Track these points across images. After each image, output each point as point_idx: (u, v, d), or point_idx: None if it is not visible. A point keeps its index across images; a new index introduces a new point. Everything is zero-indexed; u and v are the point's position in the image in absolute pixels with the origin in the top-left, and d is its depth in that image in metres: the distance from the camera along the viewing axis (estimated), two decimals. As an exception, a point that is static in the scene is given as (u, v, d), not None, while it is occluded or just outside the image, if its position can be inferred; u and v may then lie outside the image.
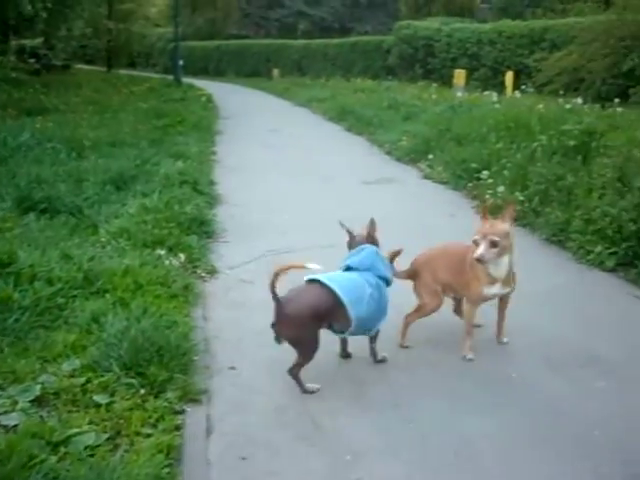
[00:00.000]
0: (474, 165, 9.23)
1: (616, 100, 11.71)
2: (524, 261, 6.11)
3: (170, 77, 30.16)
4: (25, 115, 13.51)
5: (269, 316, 3.85)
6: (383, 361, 4.17)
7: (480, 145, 9.96)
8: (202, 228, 6.67)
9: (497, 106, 12.54)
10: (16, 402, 3.43)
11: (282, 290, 3.74)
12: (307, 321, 3.72)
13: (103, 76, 30.20)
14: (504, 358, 4.26)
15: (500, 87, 18.30)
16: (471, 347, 4.24)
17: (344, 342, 4.21)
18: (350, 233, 4.23)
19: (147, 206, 6.73)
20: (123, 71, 35.59)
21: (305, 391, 3.79)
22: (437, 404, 3.69)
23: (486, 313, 4.46)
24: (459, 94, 16.63)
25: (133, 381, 3.63)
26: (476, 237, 4.03)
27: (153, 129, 12.89)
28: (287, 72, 34.58)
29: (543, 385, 3.92)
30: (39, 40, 30.62)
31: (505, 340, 4.43)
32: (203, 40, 45.00)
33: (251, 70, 39.51)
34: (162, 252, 5.58)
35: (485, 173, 8.71)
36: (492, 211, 7.59)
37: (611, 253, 6.04)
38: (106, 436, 3.24)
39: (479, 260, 3.98)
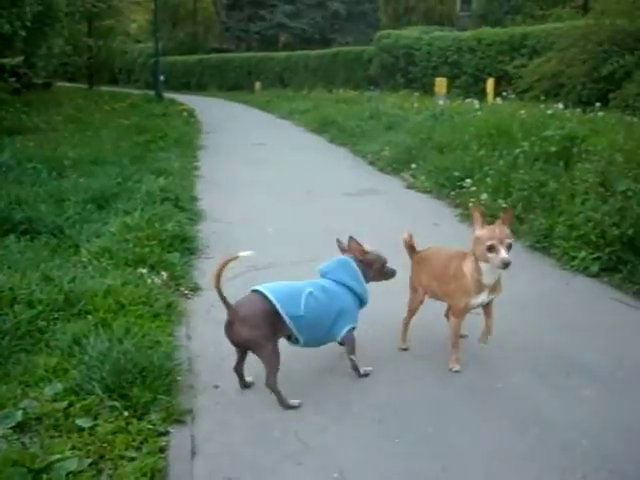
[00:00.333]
0: (457, 173, 9.24)
1: (597, 104, 11.77)
2: (508, 269, 6.15)
3: (152, 93, 30.09)
4: (5, 135, 13.43)
5: None
6: (366, 375, 4.14)
7: (462, 153, 9.98)
8: (184, 245, 6.62)
9: (479, 113, 12.59)
10: (-3, 429, 3.37)
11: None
12: (260, 322, 3.75)
13: (84, 93, 30.10)
14: (489, 368, 4.24)
15: (481, 94, 18.36)
16: (457, 359, 4.21)
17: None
18: (343, 249, 4.32)
19: (128, 224, 6.68)
20: (105, 88, 35.51)
21: (286, 406, 3.77)
22: (423, 418, 3.66)
23: (471, 323, 4.43)
24: (441, 102, 16.66)
25: (116, 404, 3.59)
26: (492, 242, 3.98)
27: (135, 145, 12.83)
28: (269, 85, 34.61)
29: (529, 395, 3.90)
30: (19, 59, 30.49)
31: (485, 344, 4.31)
32: (184, 55, 45.02)
33: (233, 83, 39.52)
34: (144, 271, 5.52)
35: (468, 181, 8.73)
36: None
37: (595, 258, 6.05)
38: (89, 461, 3.19)
39: (507, 265, 3.95)
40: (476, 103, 14.30)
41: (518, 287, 5.68)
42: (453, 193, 8.94)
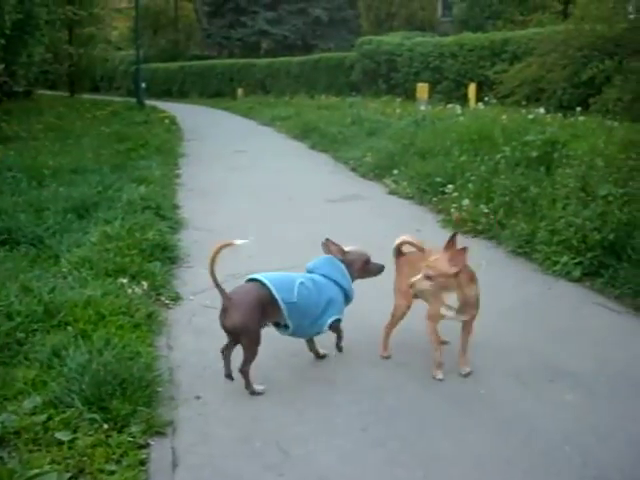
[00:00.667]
0: (439, 179, 9.26)
1: (578, 109, 11.83)
2: (491, 274, 6.16)
3: (133, 100, 29.97)
4: (-15, 144, 13.33)
5: None
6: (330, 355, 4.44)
7: (444, 159, 10.00)
8: (165, 254, 6.56)
9: (461, 119, 12.63)
10: (-26, 444, 3.32)
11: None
12: (252, 309, 3.94)
13: (66, 101, 29.91)
14: (472, 374, 4.22)
15: (463, 99, 18.42)
16: (440, 366, 4.20)
17: (311, 343, 4.42)
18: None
19: (109, 234, 6.61)
20: (86, 95, 35.29)
21: (252, 392, 3.95)
22: (405, 426, 3.65)
23: (453, 330, 4.42)
24: (422, 108, 16.71)
25: (96, 416, 3.53)
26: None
27: (116, 154, 12.73)
28: (251, 91, 34.58)
29: (512, 401, 3.89)
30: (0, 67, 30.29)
31: (466, 371, 4.25)
32: (166, 62, 44.89)
33: (215, 90, 39.44)
34: (124, 280, 5.46)
35: (450, 187, 8.75)
36: (457, 225, 7.67)
37: (577, 263, 6.06)
38: (69, 475, 3.14)
39: (410, 286, 4.06)
40: (458, 108, 14.36)
41: (501, 292, 5.70)
42: (435, 199, 8.95)
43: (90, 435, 3.42)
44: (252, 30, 45.24)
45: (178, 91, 42.63)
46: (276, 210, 9.06)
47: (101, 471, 3.19)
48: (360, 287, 4.49)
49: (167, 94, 41.68)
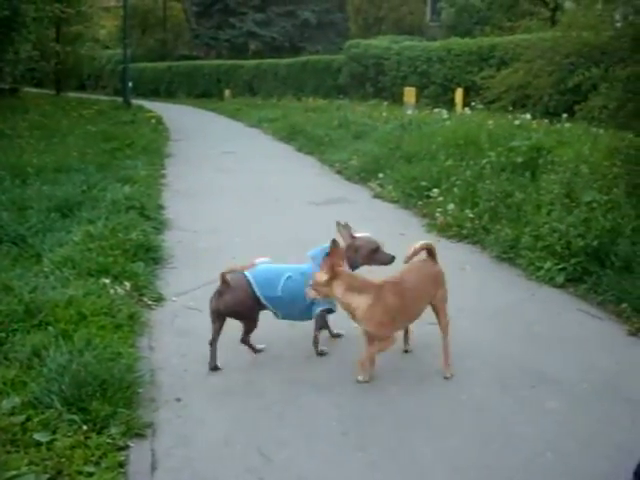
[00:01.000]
0: (424, 183, 9.26)
1: (564, 115, 11.88)
2: (475, 279, 6.19)
3: (120, 99, 29.83)
4: (-31, 141, 13.24)
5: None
6: (323, 354, 4.53)
7: (430, 163, 10.01)
8: (149, 254, 6.52)
9: (447, 123, 12.64)
10: (-49, 445, 3.28)
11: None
12: (246, 296, 4.30)
13: (52, 99, 29.72)
14: (454, 380, 4.21)
15: (450, 104, 18.44)
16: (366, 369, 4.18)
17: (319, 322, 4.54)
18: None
19: (92, 233, 6.57)
20: (73, 94, 35.08)
21: (256, 351, 4.46)
22: (386, 431, 3.64)
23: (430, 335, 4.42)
24: (409, 112, 16.71)
25: (75, 417, 3.51)
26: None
27: (101, 153, 12.65)
28: (239, 92, 34.48)
29: (494, 407, 3.89)
30: (-15, 64, 30.11)
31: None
32: (154, 61, 44.69)
33: (202, 91, 39.30)
34: (107, 281, 5.43)
35: (435, 191, 8.74)
36: (442, 229, 7.69)
37: (560, 269, 6.07)
38: (47, 477, 3.12)
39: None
40: (444, 113, 14.36)
41: (484, 297, 5.72)
42: (420, 203, 8.95)
43: (69, 436, 3.39)
44: (240, 31, 45.11)
45: (165, 91, 42.45)
46: (262, 212, 9.03)
47: (80, 473, 3.18)
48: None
49: (154, 94, 41.51)
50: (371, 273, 4.38)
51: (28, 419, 3.51)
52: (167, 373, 4.27)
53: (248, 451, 3.44)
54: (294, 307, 4.41)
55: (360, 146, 13.05)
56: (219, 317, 4.35)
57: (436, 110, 16.07)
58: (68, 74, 36.10)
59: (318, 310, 4.41)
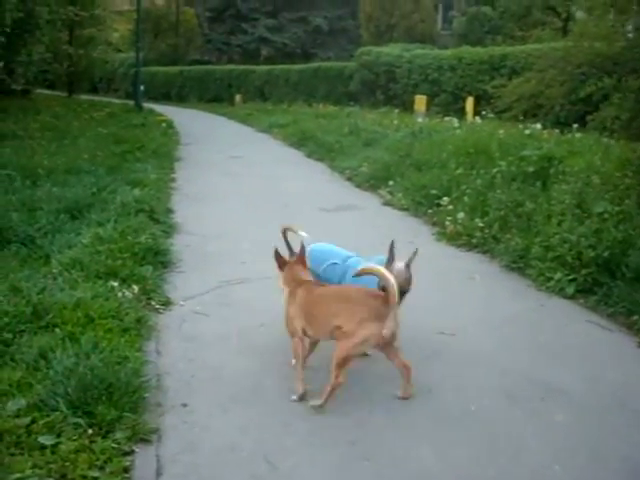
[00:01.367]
0: (434, 191, 9.23)
1: (574, 125, 11.83)
2: (484, 288, 6.15)
3: (131, 102, 29.92)
4: (-20, 142, 13.28)
5: (223, 350, 4.15)
6: None
7: (440, 171, 9.97)
8: (157, 258, 6.50)
9: (458, 132, 12.61)
10: (-44, 446, 3.27)
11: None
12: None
13: (64, 101, 29.84)
14: (462, 391, 4.18)
15: (461, 113, 18.41)
16: (299, 383, 4.05)
17: None
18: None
19: (101, 236, 6.56)
20: (84, 96, 35.18)
21: None
22: (394, 440, 3.60)
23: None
24: (420, 120, 16.70)
25: (80, 421, 3.49)
26: None
27: (111, 155, 12.67)
28: (250, 98, 34.52)
29: (502, 418, 3.85)
30: (-1, 65, 30.26)
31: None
32: (165, 65, 44.84)
33: (213, 96, 39.40)
34: (115, 284, 5.41)
35: (445, 199, 8.71)
36: (452, 237, 7.65)
37: (571, 280, 6.03)
38: (50, 480, 3.10)
39: None
40: (455, 121, 14.34)
41: (493, 307, 5.68)
42: (430, 211, 8.92)
43: (74, 440, 3.37)
44: (252, 37, 45.25)
45: (177, 95, 42.57)
46: (271, 217, 8.98)
47: (84, 477, 3.15)
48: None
49: (166, 98, 41.62)
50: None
51: (33, 421, 3.49)
52: (174, 378, 4.24)
53: (254, 458, 3.41)
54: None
55: (370, 153, 13.02)
56: None
57: (447, 118, 16.06)
58: (80, 76, 36.27)
59: None
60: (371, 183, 11.31)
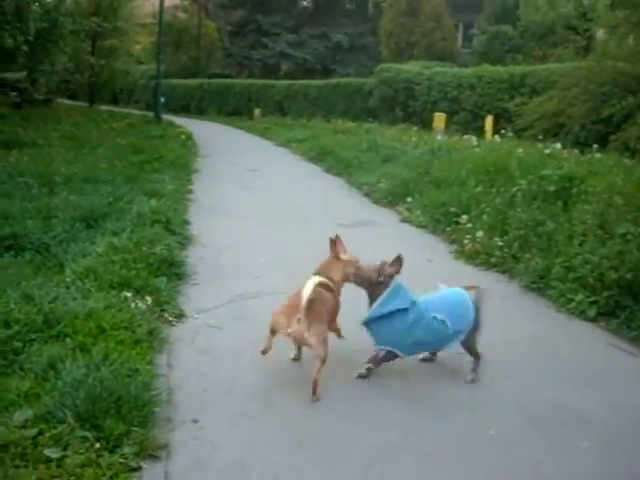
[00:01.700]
0: (453, 209, 9.12)
1: (594, 146, 11.72)
2: (502, 309, 6.02)
3: (151, 114, 30.07)
4: (1, 148, 13.32)
5: (236, 364, 4.10)
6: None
7: (459, 189, 9.86)
8: (172, 269, 6.41)
9: (477, 150, 12.52)
10: (-40, 457, 3.18)
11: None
12: None
13: (84, 111, 30.03)
14: (482, 415, 4.05)
15: (480, 131, 18.35)
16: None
17: None
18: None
19: (116, 245, 6.50)
20: (105, 107, 35.46)
21: None
22: (410, 465, 3.48)
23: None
24: (439, 137, 16.63)
25: (88, 434, 3.39)
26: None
27: (129, 165, 12.67)
28: (269, 112, 34.62)
29: (524, 445, 3.71)
30: (22, 74, 30.54)
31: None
32: (186, 78, 45.10)
33: (233, 109, 39.56)
34: (128, 294, 5.33)
35: (464, 217, 8.60)
36: (470, 256, 7.55)
37: (592, 302, 5.89)
38: (55, 495, 3.01)
39: None
40: (474, 140, 14.25)
41: (512, 328, 5.56)
42: (448, 229, 8.81)
43: (80, 454, 3.27)
44: (273, 52, 45.47)
45: (196, 108, 42.79)
46: (288, 231, 8.93)
47: (89, 492, 3.06)
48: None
49: (185, 110, 41.85)
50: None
51: (40, 433, 3.39)
52: (185, 392, 4.14)
53: (264, 478, 3.30)
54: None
55: (389, 169, 12.93)
56: None
57: (465, 137, 15.97)
58: (101, 87, 36.64)
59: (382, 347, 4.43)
60: (389, 199, 11.22)
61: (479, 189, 9.36)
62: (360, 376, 4.43)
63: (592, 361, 5.03)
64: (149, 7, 40.29)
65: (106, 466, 3.21)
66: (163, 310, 5.42)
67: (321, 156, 17.14)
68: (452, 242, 8.44)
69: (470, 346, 4.50)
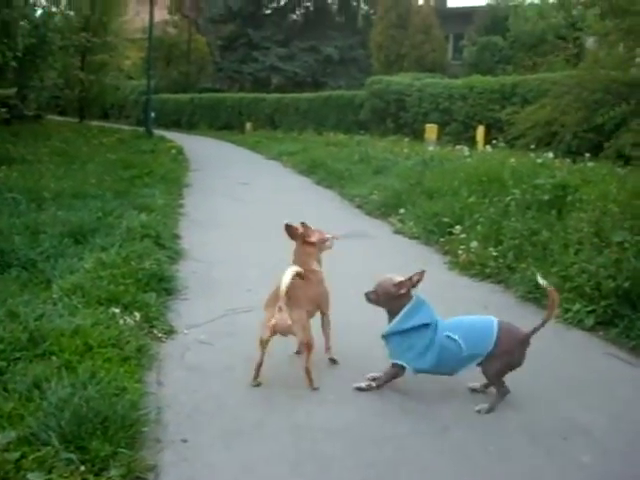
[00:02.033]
0: (446, 220, 9.03)
1: (586, 154, 11.68)
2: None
3: (142, 129, 29.99)
4: (-11, 164, 13.22)
5: (228, 381, 4.02)
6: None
7: (452, 199, 9.79)
8: (161, 284, 6.28)
9: (469, 160, 12.46)
10: (-62, 483, 3.06)
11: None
12: None
13: (74, 127, 29.92)
14: (480, 428, 3.93)
15: (471, 141, 18.33)
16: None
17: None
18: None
19: (104, 261, 6.38)
20: (95, 122, 35.32)
21: None
22: (408, 481, 3.37)
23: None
24: (431, 148, 16.60)
25: (73, 456, 3.26)
26: None
27: (119, 180, 12.56)
28: (260, 125, 34.56)
29: (524, 459, 3.60)
30: (12, 90, 30.47)
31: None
32: (177, 93, 45.03)
33: (224, 123, 39.46)
34: (117, 310, 5.21)
35: (458, 228, 8.52)
36: (464, 267, 7.46)
37: (590, 311, 5.81)
38: (38, 521, 2.88)
39: None
40: (466, 150, 14.21)
41: (509, 340, 5.43)
42: (442, 240, 8.72)
43: (65, 477, 3.15)
44: (263, 65, 45.52)
45: (187, 122, 42.68)
46: (279, 244, 8.76)
47: (74, 518, 2.93)
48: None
49: (176, 125, 41.73)
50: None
51: (23, 456, 3.26)
52: (174, 411, 4.01)
53: (257, 500, 3.19)
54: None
55: (381, 181, 12.87)
56: None
57: (457, 147, 15.94)
58: (92, 102, 36.59)
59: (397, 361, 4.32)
60: (382, 211, 11.13)
61: (472, 199, 9.29)
62: (358, 388, 4.33)
63: (591, 371, 4.94)
64: (139, 22, 40.21)
65: (91, 490, 3.09)
66: (152, 326, 5.30)
67: (312, 169, 17.08)
68: (446, 253, 8.36)
69: (490, 375, 4.28)
